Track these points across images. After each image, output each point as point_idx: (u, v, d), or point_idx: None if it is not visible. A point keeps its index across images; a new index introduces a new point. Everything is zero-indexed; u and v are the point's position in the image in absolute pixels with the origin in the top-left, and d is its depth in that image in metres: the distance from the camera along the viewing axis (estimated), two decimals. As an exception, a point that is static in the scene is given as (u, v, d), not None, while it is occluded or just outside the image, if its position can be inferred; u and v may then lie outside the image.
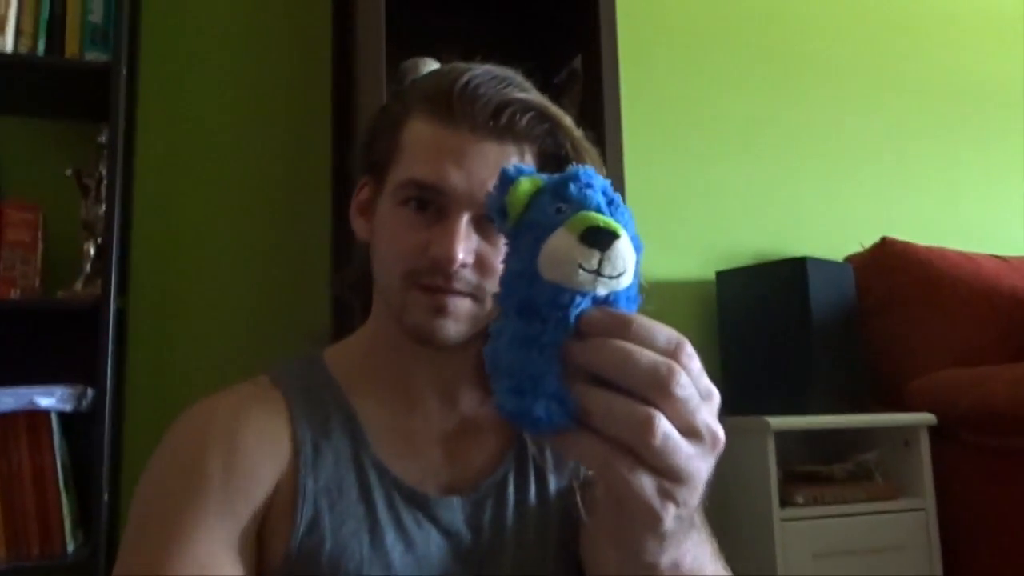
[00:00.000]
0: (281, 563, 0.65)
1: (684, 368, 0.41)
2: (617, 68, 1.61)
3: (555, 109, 0.71)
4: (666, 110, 2.03)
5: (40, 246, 1.37)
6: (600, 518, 0.56)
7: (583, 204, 0.42)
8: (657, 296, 1.82)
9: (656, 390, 0.40)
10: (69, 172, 1.36)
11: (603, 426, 0.40)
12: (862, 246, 2.01)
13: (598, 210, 0.42)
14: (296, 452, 0.67)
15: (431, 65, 1.52)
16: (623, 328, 0.41)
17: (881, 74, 2.29)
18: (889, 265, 1.93)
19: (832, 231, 2.11)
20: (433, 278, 0.66)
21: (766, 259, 1.93)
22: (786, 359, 1.74)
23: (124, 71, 1.35)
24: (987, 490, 1.66)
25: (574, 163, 0.72)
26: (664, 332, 0.42)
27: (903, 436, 1.70)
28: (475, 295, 0.68)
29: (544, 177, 0.45)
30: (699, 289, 1.94)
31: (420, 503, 0.69)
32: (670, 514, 0.41)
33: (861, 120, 2.23)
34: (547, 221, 0.42)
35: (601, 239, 0.40)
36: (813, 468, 1.68)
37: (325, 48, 1.70)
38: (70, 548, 1.28)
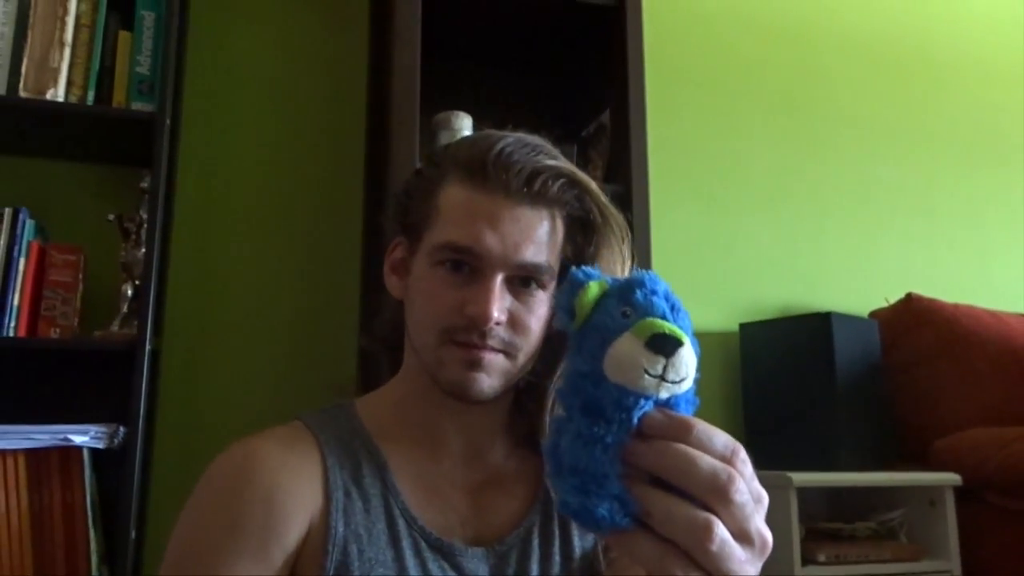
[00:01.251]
0: None
1: (740, 473, 0.43)
2: (644, 122, 1.64)
3: (583, 175, 0.75)
4: (693, 162, 2.06)
5: (80, 287, 1.42)
6: None
7: (648, 310, 0.44)
8: None
9: (715, 495, 0.42)
10: (112, 217, 1.41)
11: (663, 528, 0.42)
12: (887, 301, 2.00)
13: (663, 316, 0.44)
14: (328, 497, 0.70)
15: (464, 119, 1.56)
16: (685, 432, 0.43)
17: (909, 127, 2.31)
18: (915, 321, 1.93)
19: (857, 286, 2.11)
20: (469, 335, 0.69)
21: (790, 312, 1.94)
22: (810, 414, 1.74)
23: (168, 121, 1.41)
24: (1014, 553, 1.63)
25: (601, 228, 0.75)
26: (722, 438, 0.44)
27: (928, 496, 1.69)
28: (508, 351, 0.71)
29: (610, 280, 0.47)
30: (723, 341, 1.94)
31: (446, 552, 0.71)
32: None
33: (888, 174, 2.25)
34: (614, 325, 0.44)
35: (666, 346, 0.42)
36: (836, 526, 1.67)
37: (360, 100, 1.76)
38: (96, 581, 1.30)
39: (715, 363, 1.93)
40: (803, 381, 1.76)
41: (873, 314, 2.00)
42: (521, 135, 0.74)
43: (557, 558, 0.74)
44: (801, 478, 1.57)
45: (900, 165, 2.27)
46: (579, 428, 0.43)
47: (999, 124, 2.42)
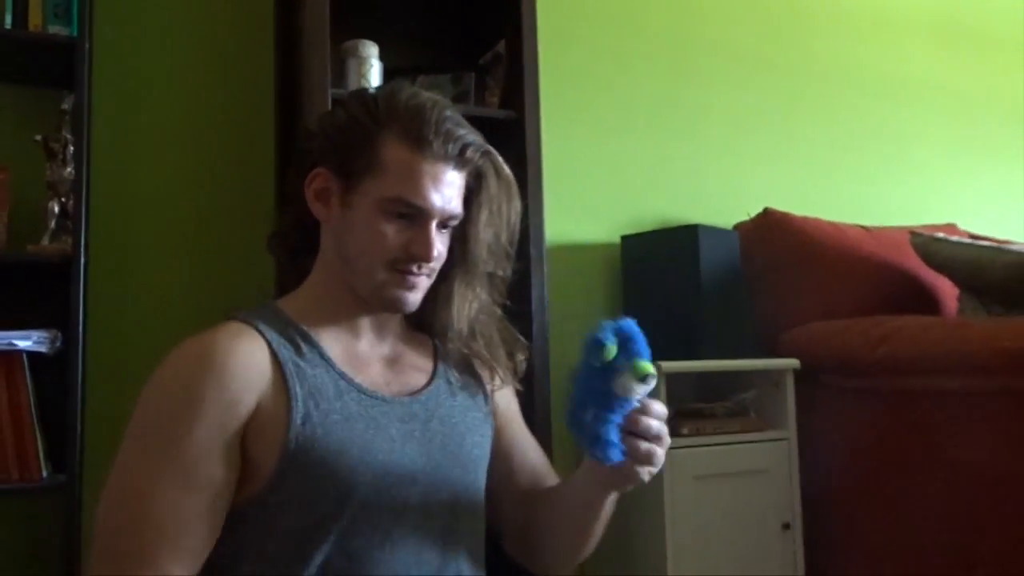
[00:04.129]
0: (279, 457, 0.86)
1: (665, 425, 0.88)
2: (536, 51, 1.81)
3: (491, 149, 1.00)
4: (582, 90, 2.24)
5: (7, 206, 1.50)
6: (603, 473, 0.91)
7: (639, 355, 0.84)
8: (572, 257, 2.10)
9: (659, 440, 0.88)
10: (38, 137, 1.48)
11: (637, 457, 0.86)
12: (748, 215, 2.28)
13: (646, 358, 0.84)
14: (280, 369, 0.89)
15: (371, 47, 1.69)
16: (648, 412, 0.87)
17: (770, 59, 2.56)
18: (769, 232, 2.21)
19: (724, 202, 2.37)
20: (409, 267, 0.93)
21: (666, 225, 2.18)
22: (680, 312, 1.99)
23: (88, 45, 1.48)
24: (838, 422, 1.97)
25: (495, 188, 0.98)
26: (661, 409, 0.88)
27: (774, 379, 2.00)
28: (429, 275, 0.97)
29: (615, 338, 0.84)
30: (607, 251, 2.18)
31: (380, 401, 0.93)
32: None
33: (753, 101, 2.50)
34: (621, 366, 0.84)
35: (647, 379, 0.84)
36: (699, 406, 1.96)
37: (269, 20, 1.84)
38: (44, 474, 1.43)
39: (600, 271, 2.18)
40: (675, 284, 2.01)
41: (736, 226, 2.27)
42: (441, 100, 0.96)
43: (456, 408, 0.99)
44: (670, 366, 1.83)
45: (763, 92, 2.52)
46: (597, 412, 0.84)
47: (848, 58, 2.71)
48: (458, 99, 1.85)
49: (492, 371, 1.05)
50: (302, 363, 0.90)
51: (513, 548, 1.09)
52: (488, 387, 1.06)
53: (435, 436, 0.95)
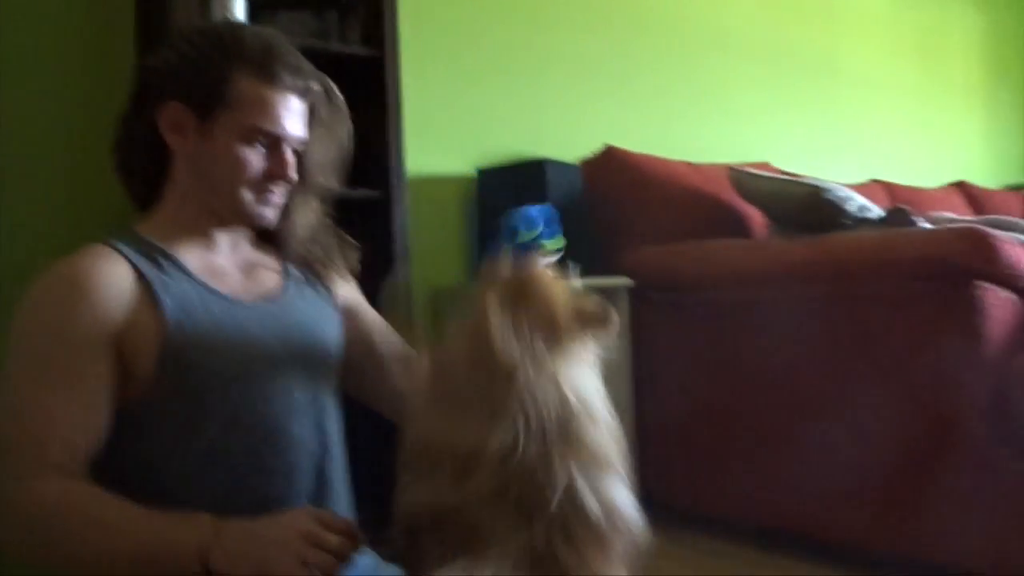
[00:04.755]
0: (156, 364, 0.96)
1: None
2: (396, -7, 1.94)
3: (326, 77, 1.11)
4: (440, 31, 2.38)
5: None
6: None
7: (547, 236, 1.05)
8: (432, 188, 2.30)
9: None
10: None
11: None
12: (592, 152, 2.52)
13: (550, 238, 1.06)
14: (146, 284, 0.98)
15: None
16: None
17: (610, 8, 2.79)
18: (609, 167, 2.46)
19: (569, 138, 2.60)
20: (270, 186, 1.05)
21: (518, 160, 2.38)
22: (529, 239, 2.22)
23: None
24: (665, 332, 2.28)
25: (328, 116, 1.11)
26: None
27: (610, 295, 2.25)
28: (285, 191, 1.09)
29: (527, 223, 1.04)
30: (465, 183, 2.36)
31: (241, 306, 1.04)
32: None
33: (594, 47, 2.73)
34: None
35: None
36: (546, 321, 2.20)
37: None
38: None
39: (459, 201, 2.36)
40: (524, 213, 2.23)
41: (581, 162, 2.50)
42: (280, 35, 1.06)
43: (305, 309, 1.12)
44: (520, 285, 2.06)
45: (604, 41, 2.76)
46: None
47: (683, 10, 2.98)
48: (320, 35, 1.94)
49: (331, 270, 1.19)
50: (165, 277, 1.00)
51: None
52: (330, 285, 1.19)
53: (293, 330, 1.07)
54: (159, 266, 1.00)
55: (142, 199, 1.11)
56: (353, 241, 1.23)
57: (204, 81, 1.01)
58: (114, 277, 0.96)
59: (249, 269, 1.11)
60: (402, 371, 1.18)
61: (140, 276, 0.98)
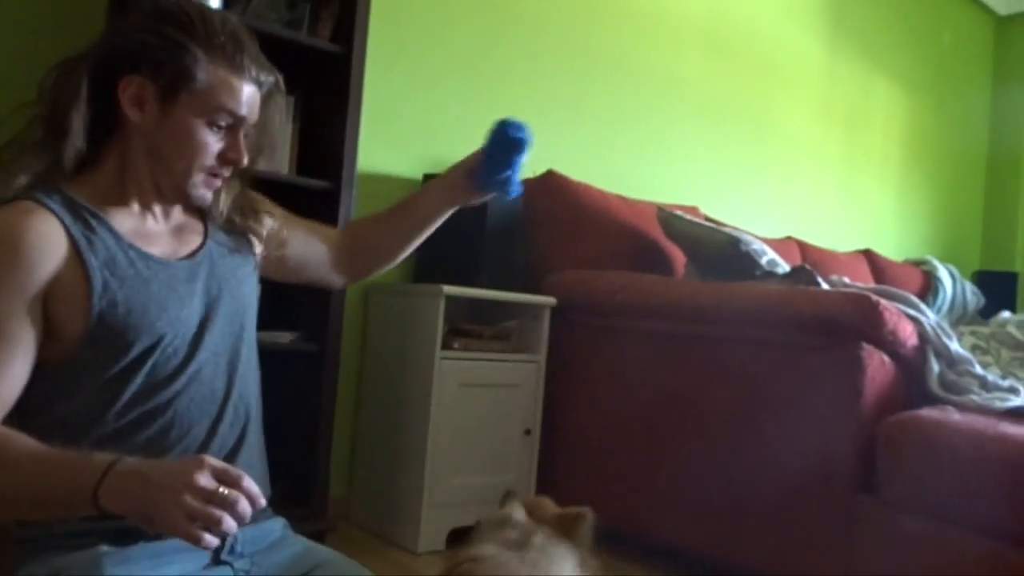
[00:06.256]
0: (84, 321, 1.00)
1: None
2: (369, -4, 2.03)
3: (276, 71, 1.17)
4: (407, 34, 2.47)
5: None
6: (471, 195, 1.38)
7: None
8: (380, 186, 2.41)
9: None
10: None
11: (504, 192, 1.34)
12: (535, 173, 2.64)
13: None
14: (75, 244, 0.99)
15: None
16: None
17: (568, 39, 2.93)
18: (549, 191, 2.59)
19: (516, 158, 2.72)
20: (221, 170, 1.10)
21: (464, 170, 2.48)
22: (465, 248, 2.32)
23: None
24: (581, 352, 2.41)
25: (274, 99, 1.21)
26: None
27: (534, 312, 2.39)
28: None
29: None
30: (410, 186, 2.45)
31: (168, 266, 1.09)
32: None
33: (549, 72, 2.86)
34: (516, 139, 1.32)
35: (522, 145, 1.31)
36: (470, 326, 2.30)
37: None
38: None
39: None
40: (464, 222, 2.29)
41: (524, 180, 2.61)
42: (244, 27, 1.11)
43: (229, 259, 1.18)
44: (451, 290, 2.15)
45: (560, 69, 2.90)
46: (507, 170, 1.32)
47: (634, 51, 3.15)
48: (291, 25, 2.00)
49: (249, 233, 1.24)
50: (94, 238, 1.02)
51: (339, 278, 1.41)
52: (250, 246, 1.25)
53: (214, 290, 1.13)
54: (87, 225, 1.03)
55: (69, 161, 1.07)
56: (268, 200, 1.30)
57: (175, 63, 1.04)
58: (44, 233, 0.98)
59: (177, 232, 1.15)
60: (328, 244, 1.37)
61: (69, 235, 1.01)
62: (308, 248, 1.35)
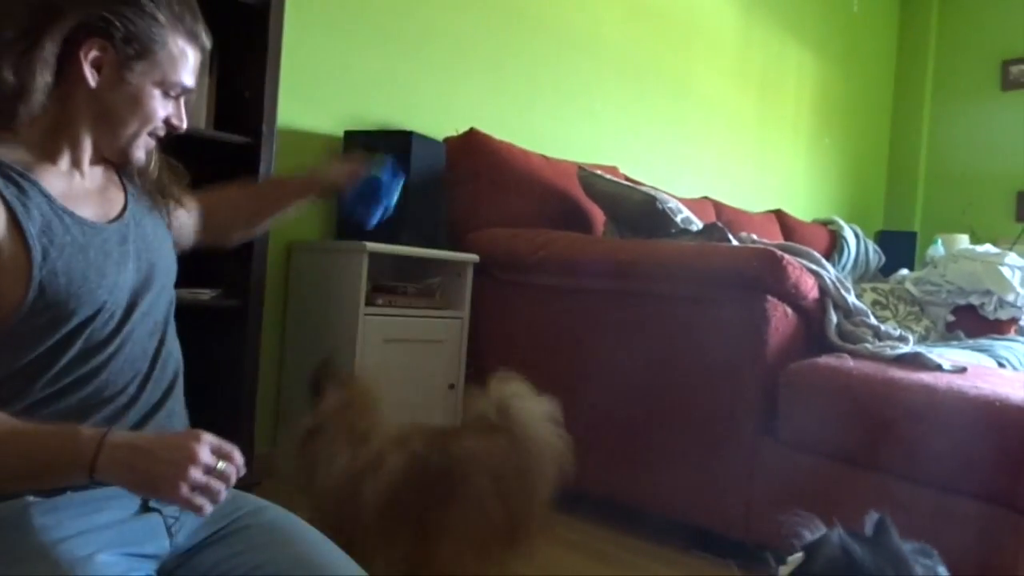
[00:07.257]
0: (26, 290, 0.99)
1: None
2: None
3: None
4: (326, -7, 2.45)
5: None
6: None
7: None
8: (300, 142, 2.39)
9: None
10: None
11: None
12: (457, 131, 2.66)
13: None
14: (11, 212, 1.00)
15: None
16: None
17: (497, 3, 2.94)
18: (470, 149, 2.61)
19: (436, 115, 2.73)
20: (159, 134, 1.13)
21: (386, 128, 2.49)
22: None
23: None
24: (503, 308, 2.47)
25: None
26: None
27: (457, 269, 2.43)
28: None
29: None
30: (330, 142, 2.44)
31: (100, 230, 1.09)
32: None
33: (469, 31, 2.87)
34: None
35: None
36: (394, 283, 2.33)
37: None
38: None
39: (324, 159, 2.43)
40: (386, 180, 2.34)
41: (446, 139, 2.64)
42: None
43: (145, 223, 1.18)
44: (374, 247, 2.17)
45: (480, 27, 2.90)
46: (369, 205, 1.43)
47: (556, 10, 3.18)
48: (206, -25, 1.96)
49: (168, 197, 1.25)
50: (28, 203, 1.02)
51: (215, 242, 1.43)
52: (168, 209, 1.26)
53: (142, 252, 1.14)
54: (19, 188, 1.02)
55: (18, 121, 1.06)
56: (182, 166, 1.30)
57: (145, 33, 1.06)
58: None
59: (102, 191, 1.15)
60: (236, 202, 1.46)
61: (4, 201, 0.99)
62: (184, 216, 1.35)
